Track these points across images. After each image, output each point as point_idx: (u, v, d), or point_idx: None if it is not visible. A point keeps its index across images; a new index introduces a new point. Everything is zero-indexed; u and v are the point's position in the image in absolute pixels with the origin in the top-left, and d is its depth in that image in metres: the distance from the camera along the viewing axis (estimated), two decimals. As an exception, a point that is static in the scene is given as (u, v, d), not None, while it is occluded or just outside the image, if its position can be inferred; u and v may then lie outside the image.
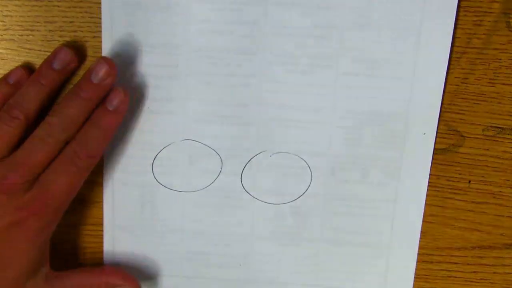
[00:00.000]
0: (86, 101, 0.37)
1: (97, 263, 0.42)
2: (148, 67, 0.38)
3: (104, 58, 0.37)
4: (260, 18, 0.38)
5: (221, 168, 0.40)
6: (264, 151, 0.40)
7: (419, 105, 0.38)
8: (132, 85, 0.39)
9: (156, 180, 0.40)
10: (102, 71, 0.37)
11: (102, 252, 0.42)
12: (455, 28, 0.37)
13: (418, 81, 0.38)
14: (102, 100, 0.38)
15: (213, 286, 0.42)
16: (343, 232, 0.41)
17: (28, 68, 0.39)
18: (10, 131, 0.36)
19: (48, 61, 0.38)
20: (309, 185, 0.40)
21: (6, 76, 0.38)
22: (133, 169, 0.40)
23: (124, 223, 0.41)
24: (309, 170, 0.40)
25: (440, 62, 0.38)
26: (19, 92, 0.37)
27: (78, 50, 0.38)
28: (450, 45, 0.37)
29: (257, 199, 0.41)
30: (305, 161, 0.40)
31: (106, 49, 0.38)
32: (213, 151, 0.40)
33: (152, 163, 0.40)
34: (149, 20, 0.38)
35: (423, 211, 0.40)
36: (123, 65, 0.38)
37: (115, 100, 0.38)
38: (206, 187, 0.40)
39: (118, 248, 0.41)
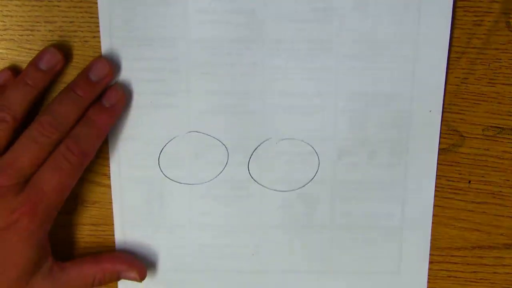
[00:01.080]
0: (81, 99, 0.37)
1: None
2: (149, 61, 0.39)
3: (103, 57, 0.38)
4: (258, 6, 0.38)
5: (228, 158, 0.40)
6: (269, 138, 0.39)
7: (423, 83, 0.38)
8: (133, 80, 0.39)
9: (163, 174, 0.40)
10: (102, 69, 0.37)
11: (102, 252, 0.42)
12: (455, 26, 0.38)
13: (421, 58, 0.38)
14: (98, 98, 0.38)
15: (225, 278, 0.41)
16: (353, 216, 0.40)
17: (15, 70, 0.39)
18: None
19: (35, 62, 0.38)
20: (317, 171, 0.40)
21: None
22: (139, 164, 0.41)
23: (133, 218, 0.41)
24: (316, 156, 0.39)
25: (442, 36, 0.38)
26: (5, 94, 0.37)
27: (65, 50, 0.39)
28: (451, 19, 0.38)
29: (265, 188, 0.40)
30: (311, 147, 0.39)
31: (105, 45, 0.38)
32: (218, 142, 0.40)
33: (158, 157, 0.40)
34: (147, 13, 0.38)
35: (434, 191, 0.39)
36: (123, 60, 0.39)
37: (113, 98, 0.38)
38: (213, 178, 0.40)
39: (128, 243, 0.42)
